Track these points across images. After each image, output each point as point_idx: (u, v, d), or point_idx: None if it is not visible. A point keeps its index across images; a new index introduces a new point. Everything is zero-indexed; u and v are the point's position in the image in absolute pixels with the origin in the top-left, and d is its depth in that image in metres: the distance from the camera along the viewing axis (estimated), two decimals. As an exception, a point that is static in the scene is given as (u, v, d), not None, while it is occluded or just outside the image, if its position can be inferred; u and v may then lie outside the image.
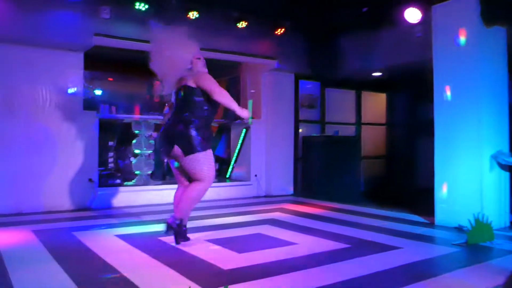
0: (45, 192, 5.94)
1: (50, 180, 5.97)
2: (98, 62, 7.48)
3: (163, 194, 6.47)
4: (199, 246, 4.06)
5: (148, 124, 7.08)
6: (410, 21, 5.88)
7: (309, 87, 8.52)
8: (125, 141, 7.38)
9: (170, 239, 4.25)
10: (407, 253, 3.88)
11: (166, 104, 4.49)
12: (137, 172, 7.06)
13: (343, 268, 3.39)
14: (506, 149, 5.00)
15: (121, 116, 6.93)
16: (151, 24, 4.24)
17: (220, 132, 8.74)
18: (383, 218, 5.64)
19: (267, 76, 7.98)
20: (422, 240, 4.39)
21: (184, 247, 4.01)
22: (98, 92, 8.26)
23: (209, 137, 4.08)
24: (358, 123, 9.27)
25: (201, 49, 6.34)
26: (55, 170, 6.01)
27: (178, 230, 4.05)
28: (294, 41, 7.92)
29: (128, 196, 6.48)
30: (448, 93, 5.05)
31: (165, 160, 6.49)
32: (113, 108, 7.12)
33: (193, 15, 6.58)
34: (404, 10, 5.85)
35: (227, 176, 8.32)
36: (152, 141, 7.09)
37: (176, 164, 4.13)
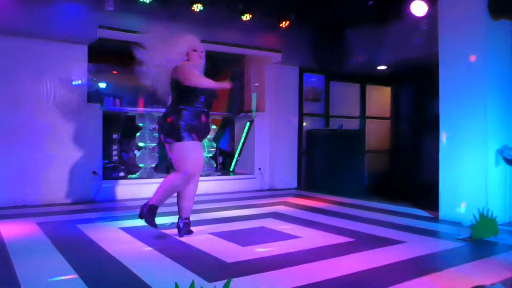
0: (49, 185, 5.95)
1: (55, 173, 5.99)
2: (102, 55, 7.47)
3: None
4: (203, 239, 4.07)
5: (152, 117, 7.08)
6: (416, 15, 5.83)
7: (314, 80, 8.48)
8: (129, 134, 7.39)
9: (173, 232, 4.26)
10: (411, 247, 3.87)
11: (170, 97, 4.49)
12: (141, 165, 7.07)
13: (347, 262, 3.39)
14: (511, 143, 4.97)
15: (125, 109, 6.94)
16: (143, 32, 4.19)
17: (224, 126, 8.73)
18: (387, 212, 5.63)
19: (271, 69, 7.95)
20: (426, 235, 4.37)
21: (187, 240, 4.02)
22: (102, 85, 8.25)
23: (195, 128, 3.98)
24: (363, 117, 9.23)
25: (205, 41, 6.32)
26: (59, 163, 6.02)
27: (184, 227, 4.14)
28: (299, 34, 7.88)
29: (132, 189, 6.50)
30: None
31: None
32: (117, 101, 7.13)
33: (197, 7, 6.56)
34: (410, 3, 5.80)
35: (231, 169, 8.32)
36: (156, 134, 7.10)
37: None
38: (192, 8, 6.55)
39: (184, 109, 3.99)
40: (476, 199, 4.72)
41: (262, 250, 3.70)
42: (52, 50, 5.99)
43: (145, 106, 7.22)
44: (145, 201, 4.10)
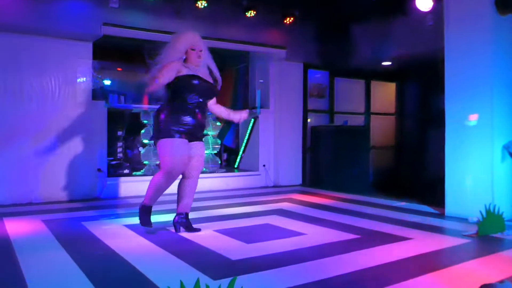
0: (54, 182, 5.96)
1: (59, 170, 6.00)
2: (107, 52, 7.47)
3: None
4: (207, 236, 4.06)
5: (156, 114, 7.06)
6: (421, 10, 5.79)
7: (318, 76, 8.45)
8: (134, 131, 7.39)
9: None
10: (418, 244, 3.84)
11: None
12: (145, 162, 7.07)
13: (353, 259, 3.37)
14: (518, 139, 4.93)
15: (130, 106, 6.94)
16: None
17: (228, 122, 8.71)
18: (392, 208, 5.60)
19: (275, 66, 7.92)
20: (433, 231, 4.35)
21: (192, 237, 4.01)
22: (107, 82, 8.26)
23: (178, 126, 3.97)
24: (367, 113, 9.20)
25: (209, 38, 6.33)
26: (64, 160, 6.03)
27: (178, 222, 4.17)
28: (303, 30, 7.85)
29: (136, 186, 6.49)
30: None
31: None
32: (122, 98, 7.13)
33: (201, 4, 6.54)
34: (415, -2, 5.77)
35: (235, 166, 8.31)
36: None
37: None
38: (197, 4, 6.52)
39: (168, 107, 4.04)
40: (482, 195, 4.69)
41: (267, 247, 3.69)
42: (56, 47, 5.99)
43: (149, 103, 7.22)
44: None
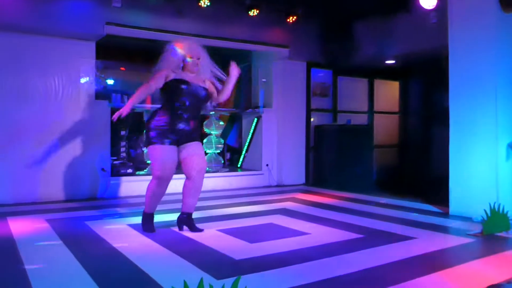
0: (57, 182, 5.97)
1: (63, 170, 6.00)
2: (110, 52, 7.47)
3: (175, 183, 6.45)
4: (211, 236, 4.06)
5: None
6: (425, 7, 5.76)
7: (321, 75, 8.42)
8: (137, 131, 7.39)
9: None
10: (422, 243, 3.83)
11: None
12: (148, 161, 7.07)
13: (357, 259, 3.36)
14: (523, 137, 4.91)
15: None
16: None
17: (231, 122, 8.71)
18: (396, 207, 5.59)
19: (278, 65, 7.90)
20: (437, 230, 4.33)
21: (195, 237, 4.01)
22: (110, 81, 8.26)
23: (165, 132, 4.04)
24: (371, 111, 9.17)
25: (212, 37, 6.33)
26: (67, 160, 6.03)
27: (181, 221, 4.23)
28: (306, 29, 7.82)
29: (140, 185, 6.47)
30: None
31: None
32: (125, 98, 7.11)
33: (204, 3, 6.52)
34: (419, -4, 5.74)
35: (239, 165, 8.30)
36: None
37: None
38: (199, 3, 6.51)
39: (158, 113, 4.12)
40: (487, 194, 4.67)
41: (270, 247, 3.68)
42: (59, 47, 6.00)
43: (152, 103, 7.21)
44: None
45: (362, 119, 9.00)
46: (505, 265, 3.26)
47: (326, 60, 8.18)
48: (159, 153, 4.04)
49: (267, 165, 7.85)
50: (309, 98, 8.15)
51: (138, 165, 7.16)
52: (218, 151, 7.78)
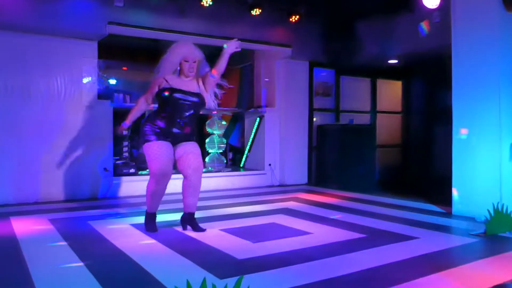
0: (60, 181, 5.98)
1: (66, 170, 6.01)
2: (112, 51, 7.47)
3: (177, 183, 6.46)
4: (214, 236, 4.06)
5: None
6: (428, 6, 5.75)
7: (324, 75, 8.42)
8: (140, 131, 7.37)
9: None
10: (424, 243, 3.82)
11: None
12: (149, 164, 7.05)
13: (359, 258, 3.35)
14: (526, 137, 4.89)
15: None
16: None
17: (234, 121, 8.71)
18: (399, 207, 5.58)
19: (281, 64, 7.90)
20: (440, 230, 4.32)
21: (198, 236, 4.01)
22: (112, 81, 8.27)
23: (159, 131, 4.09)
24: (373, 111, 9.16)
25: (214, 36, 6.32)
26: (70, 160, 6.04)
27: (183, 220, 4.26)
28: (308, 28, 7.81)
29: (142, 185, 6.42)
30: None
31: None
32: (127, 97, 7.12)
33: (206, 2, 6.51)
34: (422, -4, 5.73)
35: (241, 165, 8.30)
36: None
37: None
38: (202, 2, 6.51)
39: (153, 118, 4.16)
40: (490, 194, 4.66)
41: (273, 247, 3.68)
42: (62, 47, 6.00)
43: (154, 102, 7.21)
44: None
45: (364, 119, 8.99)
46: (509, 265, 3.25)
47: (328, 60, 8.17)
48: (154, 149, 4.04)
49: (269, 164, 7.85)
50: (312, 98, 8.15)
51: (140, 165, 7.15)
52: (221, 150, 7.78)
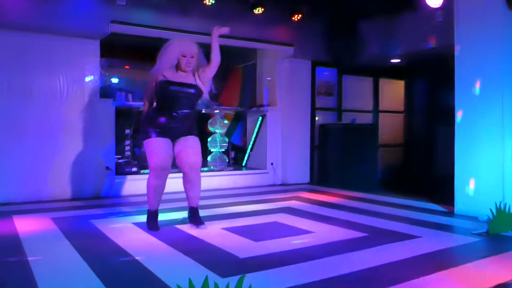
0: (62, 180, 5.99)
1: (68, 168, 6.02)
2: (115, 50, 7.48)
3: (179, 182, 6.47)
4: (216, 234, 4.06)
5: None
6: (431, 6, 5.74)
7: (326, 74, 8.41)
8: (139, 128, 7.38)
9: (186, 228, 4.26)
10: (427, 242, 3.82)
11: None
12: (148, 160, 7.06)
13: (361, 257, 3.35)
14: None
15: (138, 104, 6.92)
16: None
17: (236, 120, 8.71)
18: (401, 206, 5.57)
19: (283, 63, 7.89)
20: (442, 229, 4.31)
21: (200, 235, 4.01)
22: (114, 80, 8.27)
23: (151, 126, 4.15)
24: (376, 110, 9.15)
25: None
26: (72, 158, 6.05)
27: (189, 215, 4.39)
28: (311, 27, 7.81)
29: (145, 184, 6.45)
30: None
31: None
32: (130, 96, 7.13)
33: (209, 1, 6.52)
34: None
35: (243, 164, 8.30)
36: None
37: None
38: (204, 1, 6.51)
39: (152, 113, 4.23)
40: (493, 193, 4.65)
41: (275, 246, 3.68)
42: (64, 45, 6.00)
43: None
44: None
45: (367, 118, 8.98)
46: (511, 265, 3.24)
47: (331, 59, 8.16)
48: (153, 144, 4.11)
49: (271, 163, 7.85)
50: (314, 97, 8.14)
51: (142, 164, 7.16)
52: (223, 149, 7.78)
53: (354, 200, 6.11)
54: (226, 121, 7.86)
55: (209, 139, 7.65)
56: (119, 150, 6.98)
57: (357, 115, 8.62)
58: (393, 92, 9.44)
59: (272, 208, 5.44)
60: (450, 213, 5.07)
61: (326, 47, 8.06)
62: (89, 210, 5.29)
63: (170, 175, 4.34)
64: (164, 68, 4.17)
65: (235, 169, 7.80)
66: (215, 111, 7.59)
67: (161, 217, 4.47)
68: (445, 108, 5.89)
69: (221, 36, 4.33)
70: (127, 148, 7.39)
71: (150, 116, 4.22)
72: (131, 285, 2.80)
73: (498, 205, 4.17)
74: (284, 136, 7.93)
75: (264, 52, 8.13)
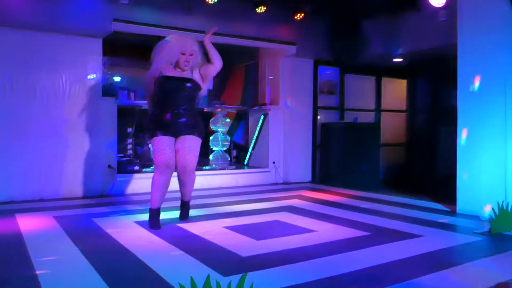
0: (65, 179, 6.00)
1: (70, 167, 6.03)
2: (117, 48, 7.48)
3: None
4: (217, 233, 4.06)
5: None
6: (434, 5, 5.73)
7: (328, 73, 8.40)
8: (144, 128, 7.39)
9: (188, 226, 4.27)
10: (428, 241, 3.82)
11: None
12: (153, 157, 7.07)
13: (363, 256, 3.35)
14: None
15: (140, 102, 6.93)
16: None
17: (238, 119, 8.71)
18: (403, 205, 5.57)
19: (286, 62, 7.89)
20: (444, 229, 4.31)
21: (202, 234, 4.02)
22: (116, 78, 8.28)
23: (157, 126, 4.27)
24: (378, 109, 9.14)
25: (220, 34, 6.33)
26: (74, 157, 6.06)
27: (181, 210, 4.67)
28: (313, 26, 7.81)
29: (147, 182, 6.45)
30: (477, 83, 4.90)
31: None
32: (132, 94, 7.13)
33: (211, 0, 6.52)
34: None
35: (245, 163, 8.30)
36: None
37: None
38: (207, 0, 6.51)
39: (153, 110, 4.39)
40: (495, 193, 4.64)
41: (277, 244, 3.68)
42: (66, 44, 6.01)
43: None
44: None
45: (369, 117, 8.97)
46: (513, 264, 3.24)
47: (333, 58, 8.16)
48: (158, 143, 4.24)
49: (273, 162, 7.85)
50: (316, 96, 8.14)
51: (144, 162, 7.18)
52: (225, 148, 7.79)
53: (356, 199, 6.11)
54: (228, 120, 7.86)
55: (211, 138, 7.66)
56: (121, 148, 6.99)
57: (359, 114, 8.60)
58: (395, 91, 9.43)
59: (274, 207, 5.44)
60: (452, 212, 5.07)
61: (329, 46, 8.06)
62: (91, 208, 5.31)
63: (174, 173, 4.36)
64: (161, 65, 4.25)
65: (237, 168, 7.81)
66: (217, 110, 7.59)
67: (164, 215, 4.48)
68: (447, 107, 5.89)
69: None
70: (129, 146, 7.39)
71: (153, 115, 4.33)
72: (133, 283, 2.81)
73: (500, 204, 4.17)
74: (286, 134, 7.93)
75: (266, 51, 8.13)
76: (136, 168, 6.77)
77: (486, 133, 4.83)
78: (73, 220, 4.65)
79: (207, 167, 7.42)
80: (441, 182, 6.47)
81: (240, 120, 8.71)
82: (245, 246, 3.64)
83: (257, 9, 6.98)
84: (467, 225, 4.44)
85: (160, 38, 6.30)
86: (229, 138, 7.93)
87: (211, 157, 7.61)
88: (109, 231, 4.11)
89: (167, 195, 4.39)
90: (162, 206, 4.36)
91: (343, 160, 7.79)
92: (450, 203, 5.31)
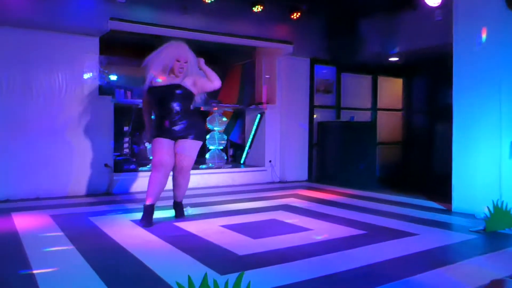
0: (62, 177, 5.99)
1: (67, 166, 6.02)
2: (114, 47, 7.47)
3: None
4: (214, 232, 4.07)
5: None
6: (430, 5, 5.74)
7: (325, 72, 8.42)
8: (140, 126, 7.39)
9: (185, 225, 4.28)
10: (424, 239, 3.84)
11: None
12: (152, 157, 7.07)
13: (359, 254, 3.37)
14: (526, 135, 4.89)
15: (136, 101, 6.93)
16: None
17: (234, 118, 8.72)
18: (399, 204, 5.59)
19: (282, 61, 7.90)
20: (439, 227, 4.34)
21: (199, 232, 4.03)
22: (113, 77, 8.27)
23: (156, 129, 4.45)
24: (374, 108, 9.16)
25: (216, 33, 6.35)
26: (71, 156, 6.05)
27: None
28: (310, 25, 7.82)
29: (143, 181, 6.49)
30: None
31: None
32: (128, 93, 7.13)
33: (208, -2, 6.52)
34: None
35: (242, 161, 8.31)
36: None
37: None
38: (203, -1, 6.51)
39: (154, 120, 4.59)
40: (490, 191, 4.67)
41: (273, 243, 3.70)
42: (63, 42, 6.00)
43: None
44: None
45: (365, 116, 8.98)
46: (508, 261, 3.26)
47: (330, 57, 8.17)
48: (155, 143, 4.42)
49: (270, 161, 7.86)
50: (313, 95, 8.15)
51: (141, 161, 7.18)
52: (221, 147, 7.79)
53: (352, 197, 6.13)
54: (224, 119, 7.86)
55: (207, 137, 7.66)
56: (118, 147, 6.98)
57: (356, 113, 8.62)
58: (392, 90, 9.45)
59: (271, 206, 5.45)
60: (448, 211, 5.10)
61: (325, 45, 8.07)
62: (87, 207, 5.31)
63: (171, 175, 4.40)
64: (156, 69, 4.37)
65: (233, 167, 7.82)
66: (214, 109, 7.59)
67: (160, 214, 4.48)
68: (443, 106, 5.92)
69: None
70: (126, 145, 7.39)
71: (155, 122, 4.55)
72: (130, 282, 2.81)
73: (495, 203, 4.20)
74: (283, 133, 7.94)
75: (263, 50, 8.13)
76: (133, 166, 6.77)
77: (481, 132, 4.85)
78: (70, 218, 4.64)
79: (204, 166, 7.43)
80: (437, 180, 6.50)
81: (237, 118, 8.71)
82: (242, 244, 3.65)
83: (253, 8, 6.99)
84: (463, 223, 4.47)
85: (156, 36, 6.37)
86: (225, 137, 7.93)
87: (207, 155, 7.61)
88: (105, 229, 4.11)
89: (165, 194, 4.40)
90: (159, 204, 4.37)
91: (339, 159, 7.80)
92: (445, 202, 5.34)
